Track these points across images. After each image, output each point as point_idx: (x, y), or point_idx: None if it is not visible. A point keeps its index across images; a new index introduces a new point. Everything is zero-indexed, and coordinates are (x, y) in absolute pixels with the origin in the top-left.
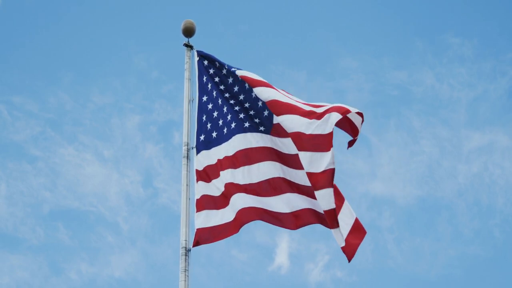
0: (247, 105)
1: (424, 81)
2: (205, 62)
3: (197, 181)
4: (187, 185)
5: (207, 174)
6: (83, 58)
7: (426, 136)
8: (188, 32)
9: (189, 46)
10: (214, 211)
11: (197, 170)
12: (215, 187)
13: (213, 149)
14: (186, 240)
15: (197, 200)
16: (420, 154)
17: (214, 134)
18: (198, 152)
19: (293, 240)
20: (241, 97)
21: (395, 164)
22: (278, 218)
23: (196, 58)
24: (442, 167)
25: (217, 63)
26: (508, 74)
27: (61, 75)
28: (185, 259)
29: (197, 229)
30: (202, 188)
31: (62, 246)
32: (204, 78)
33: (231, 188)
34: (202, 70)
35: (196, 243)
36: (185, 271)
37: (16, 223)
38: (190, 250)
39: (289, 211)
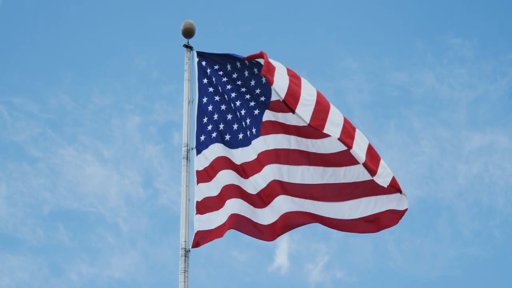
0: (238, 103)
1: (425, 82)
2: (203, 63)
3: (197, 183)
4: (186, 186)
5: (215, 170)
6: (83, 58)
7: (426, 136)
8: (188, 33)
9: (188, 47)
10: (237, 200)
11: (197, 171)
12: (249, 185)
13: (233, 150)
14: (185, 241)
15: (197, 202)
16: (420, 154)
17: (214, 135)
18: (198, 153)
19: (293, 240)
20: (233, 94)
21: (395, 165)
22: (337, 224)
23: (196, 59)
24: (442, 168)
25: (217, 64)
26: (508, 74)
27: (61, 75)
28: (185, 260)
29: (198, 231)
30: (205, 189)
31: (62, 247)
32: (205, 81)
33: (273, 189)
34: (202, 72)
35: (196, 243)
36: (184, 272)
37: (16, 224)
38: (189, 251)
39: (349, 218)
